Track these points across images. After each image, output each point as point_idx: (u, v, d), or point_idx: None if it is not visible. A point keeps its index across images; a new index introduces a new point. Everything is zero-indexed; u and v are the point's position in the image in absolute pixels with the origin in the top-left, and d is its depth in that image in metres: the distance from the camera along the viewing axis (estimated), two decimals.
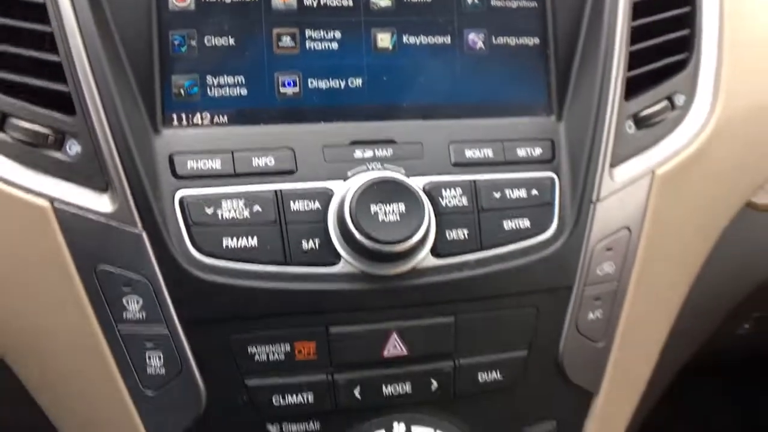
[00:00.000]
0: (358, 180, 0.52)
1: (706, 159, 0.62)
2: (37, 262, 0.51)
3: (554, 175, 0.58)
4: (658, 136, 0.61)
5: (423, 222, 0.50)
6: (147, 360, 0.51)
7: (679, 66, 0.63)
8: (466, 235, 0.54)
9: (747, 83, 0.66)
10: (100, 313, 0.51)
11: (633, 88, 0.60)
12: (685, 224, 0.63)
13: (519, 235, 0.55)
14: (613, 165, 0.58)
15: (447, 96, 0.59)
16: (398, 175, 0.52)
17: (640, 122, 0.60)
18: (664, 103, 0.61)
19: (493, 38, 0.60)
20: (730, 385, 1.46)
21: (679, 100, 0.62)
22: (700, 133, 0.62)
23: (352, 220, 0.50)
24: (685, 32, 0.63)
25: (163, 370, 0.51)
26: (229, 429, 0.54)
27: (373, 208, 0.50)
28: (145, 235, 0.50)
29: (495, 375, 0.56)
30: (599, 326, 0.58)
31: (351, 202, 0.50)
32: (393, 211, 0.50)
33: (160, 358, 0.51)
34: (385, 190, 0.51)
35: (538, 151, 0.58)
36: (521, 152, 0.58)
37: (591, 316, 0.58)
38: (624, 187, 0.58)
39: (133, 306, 0.51)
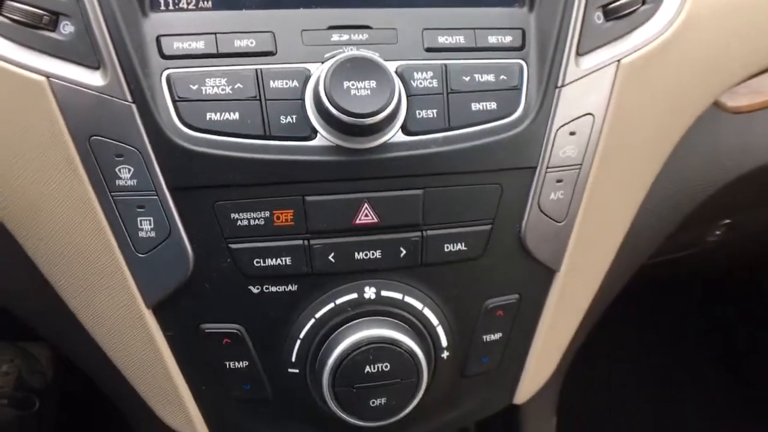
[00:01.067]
0: (335, 59, 0.55)
1: (674, 53, 0.65)
2: (36, 134, 0.55)
3: (523, 62, 0.60)
4: (627, 29, 0.63)
5: (393, 96, 0.54)
6: (138, 224, 0.56)
7: None
8: (435, 115, 0.57)
9: None
10: (95, 180, 0.55)
11: None
12: (651, 115, 0.66)
13: (486, 116, 0.58)
14: (580, 54, 0.61)
15: None
16: (370, 54, 0.55)
17: (609, 13, 0.62)
18: None
19: None
20: (701, 297, 1.52)
21: None
22: (669, 27, 0.64)
23: (326, 94, 0.53)
24: None
25: (153, 233, 0.56)
26: (215, 290, 0.59)
27: (346, 83, 0.53)
28: (134, 108, 0.54)
29: (460, 246, 0.60)
30: (561, 206, 0.62)
31: (325, 78, 0.53)
32: (365, 87, 0.54)
33: (150, 222, 0.56)
34: (358, 68, 0.54)
35: (508, 39, 0.61)
36: (492, 39, 0.60)
37: (553, 196, 0.61)
38: (589, 74, 0.60)
39: (125, 174, 0.55)
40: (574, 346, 0.74)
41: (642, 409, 1.51)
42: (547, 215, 0.62)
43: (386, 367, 0.58)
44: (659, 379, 1.55)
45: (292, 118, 0.56)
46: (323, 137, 0.56)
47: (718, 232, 0.91)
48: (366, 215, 0.58)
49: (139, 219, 0.56)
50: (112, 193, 0.55)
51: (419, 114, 0.57)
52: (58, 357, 1.23)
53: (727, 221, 0.89)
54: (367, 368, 0.58)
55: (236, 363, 0.61)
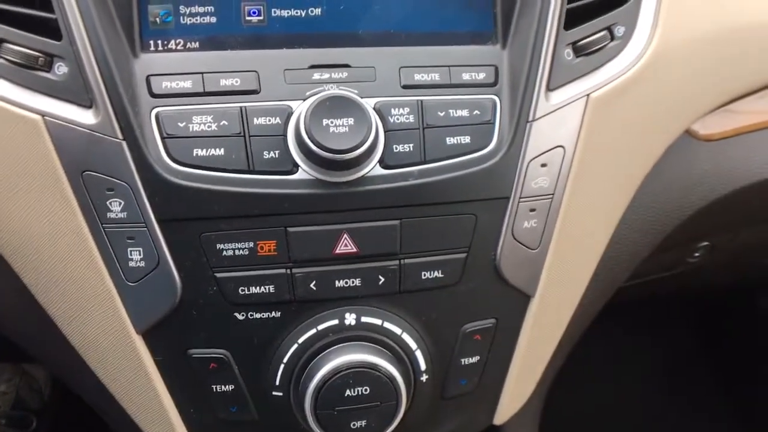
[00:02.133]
0: (314, 98, 0.58)
1: (642, 86, 0.67)
2: (32, 169, 0.57)
3: (496, 98, 0.63)
4: (597, 64, 0.65)
5: (369, 133, 0.56)
6: (128, 254, 0.59)
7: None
8: (412, 148, 0.60)
9: (687, 15, 0.71)
10: (87, 213, 0.58)
11: (574, 18, 0.65)
12: (621, 146, 0.69)
13: (460, 150, 0.61)
14: (550, 89, 0.63)
15: (400, 24, 0.64)
16: (348, 93, 0.58)
17: (579, 50, 0.65)
18: (603, 33, 0.66)
19: None
20: (696, 314, 1.53)
21: (619, 31, 0.67)
22: (637, 62, 0.67)
23: (306, 131, 0.56)
24: None
25: (142, 263, 0.59)
26: (202, 316, 0.61)
27: (325, 121, 0.56)
28: (125, 145, 0.57)
29: (437, 273, 0.62)
30: (534, 234, 0.65)
31: (306, 116, 0.56)
32: (343, 124, 0.57)
33: (140, 252, 0.59)
34: (336, 106, 0.57)
35: (482, 76, 0.64)
36: (466, 76, 0.63)
37: (526, 224, 0.64)
38: (559, 108, 0.63)
39: (116, 207, 0.58)
40: (554, 367, 0.77)
41: (630, 426, 1.53)
42: (521, 243, 0.65)
43: (366, 390, 0.61)
44: (648, 394, 1.56)
45: (274, 153, 0.58)
46: (304, 171, 0.58)
47: (697, 254, 0.93)
48: (345, 245, 0.60)
49: (129, 249, 0.59)
50: (103, 225, 0.58)
51: (396, 148, 0.60)
52: (56, 376, 1.25)
53: (706, 243, 0.91)
54: (348, 392, 0.60)
55: (223, 386, 0.64)
